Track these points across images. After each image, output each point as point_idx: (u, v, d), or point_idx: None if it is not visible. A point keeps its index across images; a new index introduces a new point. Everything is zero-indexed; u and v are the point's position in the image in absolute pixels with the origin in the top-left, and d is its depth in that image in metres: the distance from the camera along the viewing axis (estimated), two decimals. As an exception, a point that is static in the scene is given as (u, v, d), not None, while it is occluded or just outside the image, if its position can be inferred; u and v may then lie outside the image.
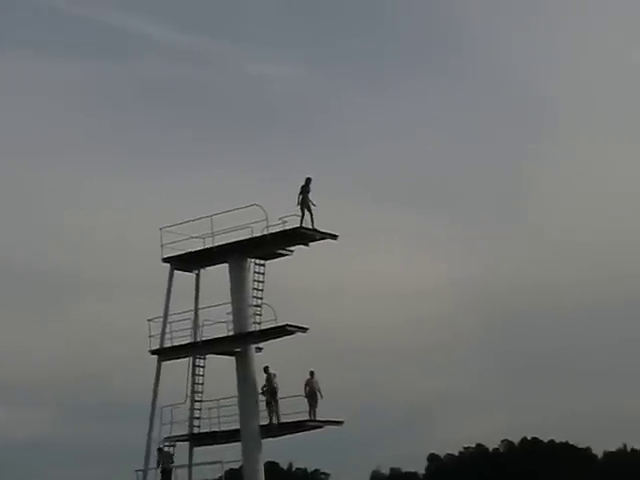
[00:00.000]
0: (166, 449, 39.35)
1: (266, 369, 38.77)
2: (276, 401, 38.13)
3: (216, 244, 38.84)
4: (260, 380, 38.48)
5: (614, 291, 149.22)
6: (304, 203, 38.15)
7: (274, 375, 38.58)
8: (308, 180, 38.46)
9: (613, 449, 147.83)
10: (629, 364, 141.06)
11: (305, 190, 38.29)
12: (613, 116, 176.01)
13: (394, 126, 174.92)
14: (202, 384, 40.02)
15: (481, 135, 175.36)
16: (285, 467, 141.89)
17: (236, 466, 39.93)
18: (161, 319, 39.54)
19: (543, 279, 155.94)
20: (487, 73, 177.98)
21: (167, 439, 39.32)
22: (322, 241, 38.73)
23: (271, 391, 38.33)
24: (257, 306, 38.72)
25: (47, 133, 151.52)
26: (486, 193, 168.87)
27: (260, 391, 38.24)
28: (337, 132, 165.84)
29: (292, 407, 38.11)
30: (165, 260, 40.07)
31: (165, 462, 39.18)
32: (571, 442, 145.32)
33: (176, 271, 40.23)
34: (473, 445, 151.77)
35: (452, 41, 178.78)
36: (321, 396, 38.06)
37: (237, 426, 38.16)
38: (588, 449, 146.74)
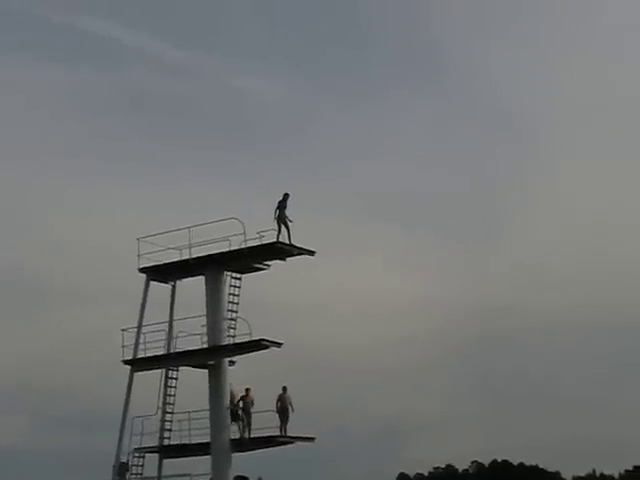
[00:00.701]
0: (135, 460, 39.21)
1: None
2: (240, 418, 38.11)
3: (193, 256, 38.82)
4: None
5: (591, 315, 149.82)
6: (281, 218, 38.26)
7: (238, 395, 38.51)
8: (285, 196, 38.59)
9: (582, 474, 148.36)
10: (602, 390, 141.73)
11: (282, 205, 38.41)
12: (597, 135, 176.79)
13: (375, 142, 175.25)
14: (174, 396, 40.01)
15: (463, 152, 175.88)
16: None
17: (205, 479, 39.81)
18: (135, 329, 39.43)
19: (521, 301, 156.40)
20: (468, 89, 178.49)
21: (137, 450, 39.19)
22: (299, 256, 38.81)
23: (233, 411, 38.38)
24: (232, 319, 38.72)
25: (29, 139, 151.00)
26: (468, 210, 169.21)
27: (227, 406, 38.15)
28: (318, 147, 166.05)
29: (263, 422, 38.10)
30: (141, 270, 39.98)
31: (121, 473, 38.96)
32: (541, 465, 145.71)
33: (152, 282, 40.15)
34: (443, 466, 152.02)
35: (433, 58, 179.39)
36: (292, 410, 38.02)
37: (208, 439, 38.07)
38: (557, 473, 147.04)
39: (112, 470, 38.86)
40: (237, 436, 38.02)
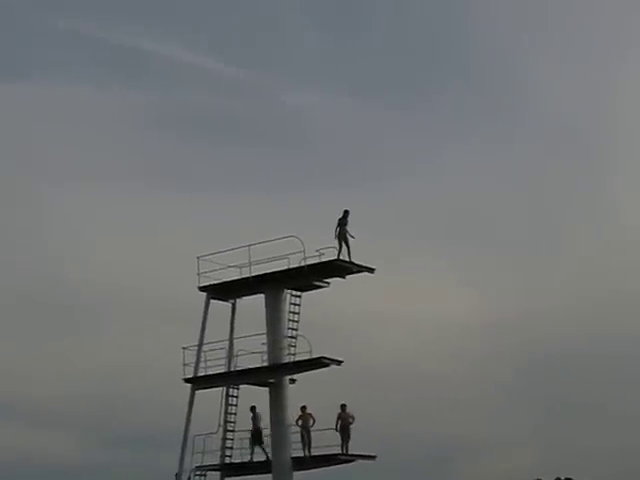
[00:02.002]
0: (197, 478, 39.28)
1: (252, 409, 39.22)
2: (261, 442, 38.61)
3: (253, 274, 38.90)
4: (292, 411, 38.43)
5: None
6: (341, 235, 38.22)
7: (259, 415, 39.00)
8: (346, 212, 38.57)
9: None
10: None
11: (342, 222, 38.39)
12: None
13: (435, 159, 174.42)
14: (235, 414, 40.03)
15: (522, 169, 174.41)
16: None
17: (266, 498, 39.78)
18: (196, 347, 39.56)
19: (584, 322, 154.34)
20: (528, 104, 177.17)
21: (198, 468, 39.26)
22: (359, 274, 38.73)
23: (255, 431, 38.79)
24: (292, 337, 38.67)
25: (87, 160, 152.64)
26: (533, 230, 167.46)
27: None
28: (378, 164, 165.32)
29: (324, 440, 38.00)
30: (201, 289, 40.13)
31: None
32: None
33: (212, 300, 40.28)
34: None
35: (495, 77, 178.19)
36: (352, 423, 37.79)
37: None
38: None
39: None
40: (298, 454, 37.98)
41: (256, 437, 38.97)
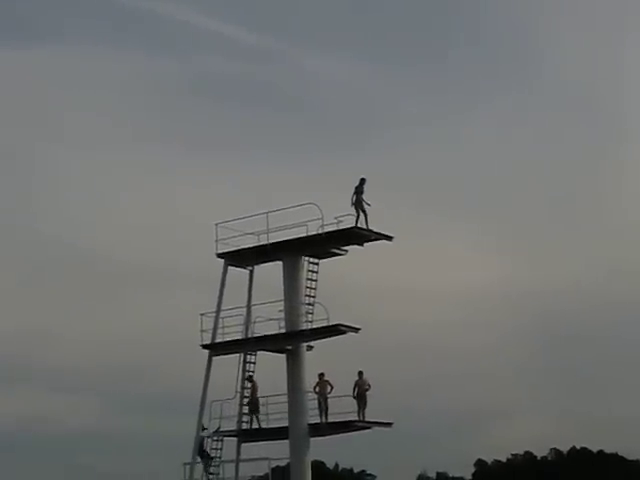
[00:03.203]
0: (214, 443, 39.53)
1: (249, 378, 39.62)
2: (258, 410, 39.21)
3: (271, 241, 38.92)
4: (310, 378, 38.56)
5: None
6: (358, 203, 38.20)
7: (256, 384, 39.51)
8: (362, 181, 38.52)
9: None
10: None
11: (359, 190, 38.37)
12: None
13: (453, 129, 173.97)
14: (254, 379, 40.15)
15: (549, 143, 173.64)
16: (331, 467, 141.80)
17: (282, 464, 39.98)
18: (213, 314, 39.66)
19: (604, 289, 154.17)
20: (548, 76, 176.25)
21: (215, 433, 39.48)
22: (377, 242, 38.71)
23: (253, 400, 39.19)
24: (310, 305, 38.73)
25: (106, 126, 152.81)
26: (550, 202, 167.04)
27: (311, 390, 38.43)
28: (396, 132, 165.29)
29: (341, 407, 38.13)
30: (219, 255, 40.17)
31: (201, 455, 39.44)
32: (621, 453, 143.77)
33: (230, 267, 40.33)
34: (521, 452, 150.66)
35: (517, 48, 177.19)
36: (368, 389, 37.94)
37: (286, 424, 38.23)
38: (638, 462, 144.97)
39: (192, 452, 39.20)
40: (315, 421, 38.14)
41: (253, 406, 39.23)
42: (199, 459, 39.39)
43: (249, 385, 39.78)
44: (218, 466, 39.42)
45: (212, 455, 39.45)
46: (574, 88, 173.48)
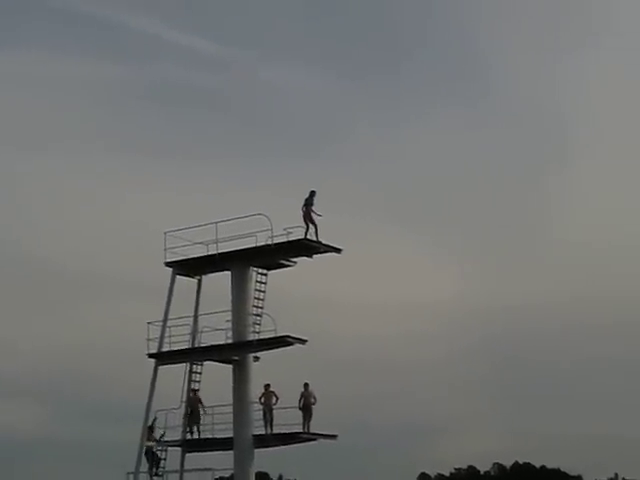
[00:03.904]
0: (158, 453, 39.37)
1: (191, 390, 39.68)
2: (198, 420, 39.23)
3: (220, 251, 38.89)
4: (256, 389, 38.53)
5: (616, 312, 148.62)
6: (307, 215, 38.29)
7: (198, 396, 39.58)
8: (312, 193, 38.64)
9: (604, 478, 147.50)
10: (627, 392, 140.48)
11: (309, 202, 38.46)
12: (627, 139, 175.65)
13: (404, 143, 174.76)
14: (198, 390, 40.03)
15: (492, 156, 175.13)
16: (275, 478, 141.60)
17: (227, 474, 39.92)
18: (160, 323, 39.53)
19: (546, 300, 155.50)
20: (501, 95, 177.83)
21: (160, 443, 39.31)
22: (326, 254, 38.82)
23: (193, 411, 39.37)
24: (257, 315, 38.77)
25: (59, 134, 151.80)
26: (496, 214, 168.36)
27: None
28: (348, 144, 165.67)
29: (286, 419, 38.15)
30: (168, 264, 40.08)
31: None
32: (563, 469, 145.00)
33: (178, 276, 40.25)
34: (464, 467, 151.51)
35: (470, 65, 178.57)
36: (314, 402, 38.01)
37: (230, 434, 38.16)
38: (579, 477, 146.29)
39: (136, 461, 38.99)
40: (260, 432, 38.11)
41: (193, 417, 39.17)
42: (145, 459, 39.10)
43: (189, 396, 39.61)
44: (162, 476, 39.27)
45: (160, 456, 39.24)
46: (522, 102, 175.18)
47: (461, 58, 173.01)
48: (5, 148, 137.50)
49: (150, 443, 39.06)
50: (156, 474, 39.21)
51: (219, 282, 39.95)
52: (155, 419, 39.32)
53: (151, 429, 39.28)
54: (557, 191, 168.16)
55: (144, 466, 39.14)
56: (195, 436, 39.39)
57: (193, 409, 39.49)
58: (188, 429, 39.42)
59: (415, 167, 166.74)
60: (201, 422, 39.34)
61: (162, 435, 39.38)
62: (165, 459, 39.42)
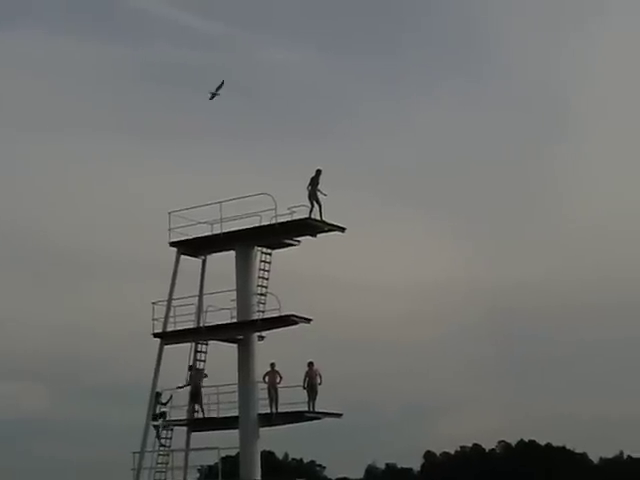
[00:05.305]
0: (163, 432, 39.43)
1: (191, 367, 39.68)
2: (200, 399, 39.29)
3: (224, 231, 38.88)
4: (261, 368, 38.59)
5: (617, 292, 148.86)
6: (313, 195, 38.25)
7: (201, 372, 39.60)
8: (318, 172, 38.56)
9: (610, 456, 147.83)
10: (631, 371, 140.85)
11: (314, 182, 38.41)
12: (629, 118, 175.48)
13: (407, 121, 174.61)
14: (203, 370, 40.11)
15: (495, 134, 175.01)
16: (281, 457, 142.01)
17: (232, 453, 40.01)
18: (165, 303, 39.55)
19: (548, 279, 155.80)
20: (503, 72, 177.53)
21: (165, 422, 39.39)
22: (330, 233, 38.80)
23: (194, 389, 39.27)
24: (262, 295, 38.77)
25: (64, 112, 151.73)
26: (498, 193, 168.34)
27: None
28: (352, 123, 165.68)
29: (291, 397, 38.21)
30: (172, 244, 40.07)
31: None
32: (568, 447, 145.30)
33: (182, 256, 40.23)
34: (470, 444, 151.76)
35: (469, 39, 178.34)
36: (320, 382, 38.07)
37: (236, 413, 38.25)
38: (584, 455, 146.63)
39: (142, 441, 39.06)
40: (265, 411, 38.19)
41: (195, 395, 39.21)
42: (153, 422, 39.11)
43: (190, 373, 39.60)
44: (167, 455, 39.35)
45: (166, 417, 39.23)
46: (525, 86, 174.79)
47: (460, 38, 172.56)
48: (5, 130, 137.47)
49: (156, 423, 39.08)
50: (162, 445, 39.20)
51: (223, 262, 39.98)
52: (160, 394, 39.25)
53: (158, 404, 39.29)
54: (562, 170, 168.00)
55: (149, 446, 39.21)
56: (199, 415, 39.44)
57: (195, 386, 39.47)
58: (190, 407, 39.42)
59: (419, 147, 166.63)
60: (204, 402, 39.35)
61: (163, 412, 39.34)
62: (171, 438, 39.49)
